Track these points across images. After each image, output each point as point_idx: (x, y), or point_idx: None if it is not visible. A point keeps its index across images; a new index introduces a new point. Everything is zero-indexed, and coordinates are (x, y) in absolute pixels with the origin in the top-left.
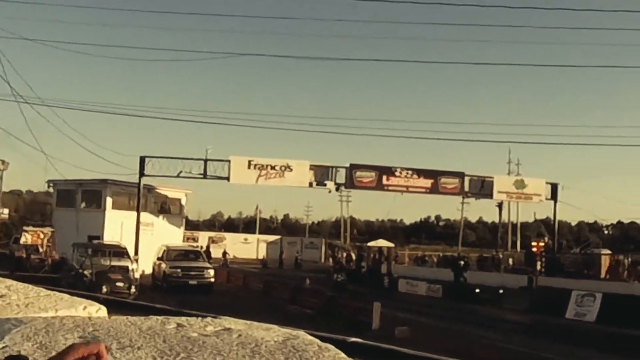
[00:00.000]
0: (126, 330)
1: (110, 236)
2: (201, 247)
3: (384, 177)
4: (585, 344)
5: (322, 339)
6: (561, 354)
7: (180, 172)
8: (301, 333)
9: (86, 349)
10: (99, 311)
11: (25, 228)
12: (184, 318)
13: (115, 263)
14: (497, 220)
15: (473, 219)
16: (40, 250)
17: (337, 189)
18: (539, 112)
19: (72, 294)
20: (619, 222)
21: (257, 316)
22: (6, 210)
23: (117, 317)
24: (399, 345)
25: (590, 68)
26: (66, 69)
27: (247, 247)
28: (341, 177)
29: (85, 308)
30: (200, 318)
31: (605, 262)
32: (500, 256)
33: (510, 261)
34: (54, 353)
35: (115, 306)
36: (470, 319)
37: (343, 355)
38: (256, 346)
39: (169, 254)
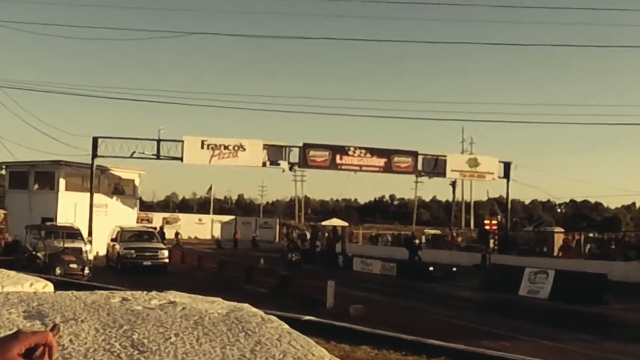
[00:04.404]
0: (71, 304)
1: (63, 218)
2: (155, 228)
3: (338, 157)
4: (537, 320)
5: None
6: (511, 330)
7: (134, 152)
8: (245, 305)
9: (34, 338)
10: (45, 287)
11: None
12: (129, 292)
13: (68, 245)
14: (450, 199)
15: (427, 197)
16: None
17: (290, 169)
18: (492, 91)
19: None
20: (572, 201)
21: (210, 295)
22: None
23: (63, 292)
24: (353, 323)
25: (544, 47)
26: (16, 49)
27: (202, 228)
28: (295, 156)
29: (31, 284)
30: (145, 292)
31: (558, 239)
32: (454, 234)
33: (460, 239)
34: None
35: (68, 288)
36: (424, 296)
37: (286, 326)
38: (200, 318)
39: (123, 235)
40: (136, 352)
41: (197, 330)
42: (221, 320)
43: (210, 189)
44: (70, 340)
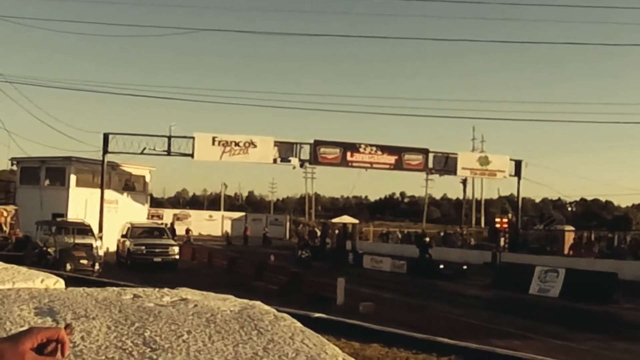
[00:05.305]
0: (82, 301)
1: (74, 214)
2: (166, 225)
3: (348, 154)
4: (547, 318)
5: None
6: (522, 328)
7: (144, 149)
8: (257, 303)
9: (46, 333)
10: (56, 283)
11: None
12: (140, 289)
13: (79, 241)
14: (461, 197)
15: (437, 195)
16: (4, 228)
17: (301, 166)
18: (503, 89)
19: None
20: (582, 199)
21: (221, 292)
22: None
23: (74, 288)
24: (363, 321)
25: (554, 45)
26: (28, 45)
27: (212, 224)
28: (305, 153)
29: (42, 281)
30: (157, 289)
31: (568, 238)
32: (464, 232)
33: (464, 233)
34: (8, 324)
35: (79, 284)
36: (434, 294)
37: (299, 324)
38: (212, 315)
39: (133, 231)
40: (148, 349)
41: (209, 328)
42: (233, 317)
43: (225, 186)
44: (82, 338)
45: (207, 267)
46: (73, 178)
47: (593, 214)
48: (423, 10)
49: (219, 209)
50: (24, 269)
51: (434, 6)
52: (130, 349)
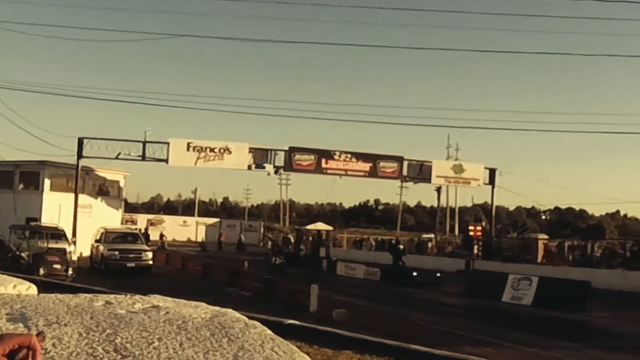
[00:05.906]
0: (54, 307)
1: (48, 218)
2: (139, 230)
3: (323, 161)
4: (520, 326)
5: (260, 322)
6: (494, 336)
7: (119, 154)
8: (229, 311)
9: (17, 340)
10: (29, 289)
11: None
12: (112, 296)
13: (52, 245)
14: (435, 205)
15: (412, 203)
16: None
17: (276, 172)
18: (478, 97)
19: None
20: (557, 208)
21: (194, 298)
22: None
23: (46, 294)
24: (336, 328)
25: (529, 54)
26: (1, 49)
27: (186, 230)
28: (280, 160)
29: (15, 286)
30: (128, 295)
31: (541, 246)
32: (439, 239)
33: (430, 245)
34: None
35: (51, 289)
36: (407, 301)
37: (269, 332)
38: (183, 323)
39: (107, 236)
40: (119, 356)
41: (181, 335)
42: (204, 325)
43: (195, 191)
44: (54, 344)
45: (181, 272)
46: (47, 182)
47: (567, 223)
48: (398, 19)
49: (193, 215)
50: None
51: (410, 15)
52: (101, 356)
